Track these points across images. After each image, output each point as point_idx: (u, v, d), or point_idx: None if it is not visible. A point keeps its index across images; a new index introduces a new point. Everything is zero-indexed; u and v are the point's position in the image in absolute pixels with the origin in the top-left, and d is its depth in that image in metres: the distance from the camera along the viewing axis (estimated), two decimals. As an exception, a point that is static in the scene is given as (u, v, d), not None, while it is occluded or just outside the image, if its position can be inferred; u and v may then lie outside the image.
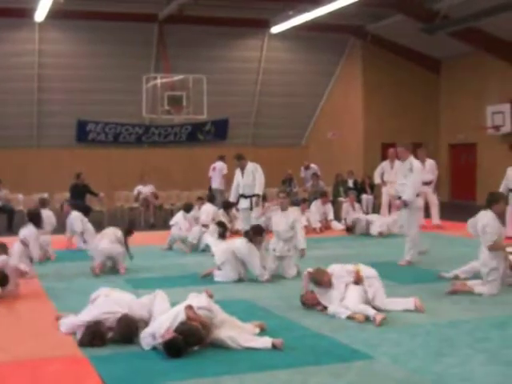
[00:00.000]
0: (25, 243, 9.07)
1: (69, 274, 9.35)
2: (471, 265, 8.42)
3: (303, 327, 6.29)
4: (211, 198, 13.38)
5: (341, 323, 6.39)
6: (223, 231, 11.19)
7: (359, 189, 18.24)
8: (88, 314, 5.98)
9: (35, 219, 9.45)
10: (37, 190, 17.07)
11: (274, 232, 9.31)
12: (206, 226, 11.80)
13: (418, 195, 9.86)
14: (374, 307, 6.56)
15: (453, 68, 22.18)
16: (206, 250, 10.98)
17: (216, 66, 21.17)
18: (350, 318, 6.46)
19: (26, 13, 18.22)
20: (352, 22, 20.78)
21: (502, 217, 8.12)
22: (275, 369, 5.04)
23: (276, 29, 20.81)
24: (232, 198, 12.08)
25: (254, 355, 5.37)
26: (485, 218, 7.65)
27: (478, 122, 20.56)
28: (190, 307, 5.55)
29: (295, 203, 14.67)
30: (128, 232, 9.88)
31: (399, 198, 9.91)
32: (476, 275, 8.13)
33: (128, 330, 5.77)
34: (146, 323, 5.86)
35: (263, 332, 5.91)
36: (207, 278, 8.82)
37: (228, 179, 15.63)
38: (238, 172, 11.78)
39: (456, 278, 8.36)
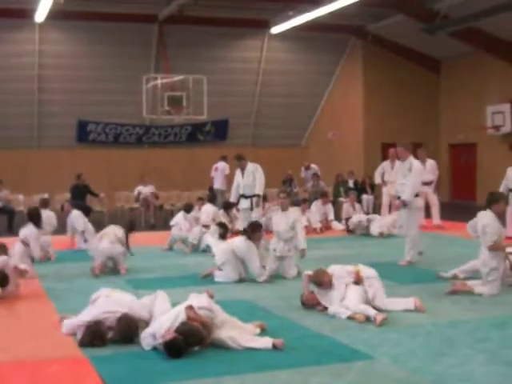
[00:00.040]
0: (25, 243, 9.10)
1: (69, 275, 9.35)
2: (470, 264, 8.42)
3: (304, 327, 6.29)
4: (211, 199, 13.38)
5: (341, 323, 6.39)
6: (224, 232, 11.19)
7: (360, 189, 18.25)
8: (88, 314, 5.98)
9: (35, 219, 9.46)
10: (37, 191, 17.10)
11: (275, 232, 9.31)
12: (206, 226, 11.80)
13: (417, 195, 9.85)
14: (374, 307, 6.57)
15: (453, 68, 22.19)
16: (207, 250, 10.99)
17: (216, 67, 21.19)
18: (350, 318, 6.46)
19: (26, 13, 18.24)
20: (352, 22, 20.79)
21: (501, 217, 8.12)
22: (276, 369, 5.04)
23: (276, 29, 20.82)
24: (232, 199, 12.08)
25: (255, 355, 5.38)
26: (485, 218, 7.65)
27: (478, 122, 20.57)
28: (190, 307, 5.55)
29: (295, 203, 14.66)
30: (130, 229, 9.86)
31: (398, 198, 9.92)
32: (475, 274, 8.13)
33: (128, 329, 5.77)
34: (146, 323, 5.86)
35: (264, 332, 5.91)
36: (208, 278, 8.82)
37: (230, 180, 15.64)
38: (238, 172, 11.78)
39: (455, 277, 8.37)
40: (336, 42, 22.36)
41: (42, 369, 5.17)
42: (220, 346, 5.55)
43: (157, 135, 22.63)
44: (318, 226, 14.35)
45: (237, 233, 12.79)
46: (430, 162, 14.20)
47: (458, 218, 14.10)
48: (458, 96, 21.90)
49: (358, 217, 14.02)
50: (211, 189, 17.50)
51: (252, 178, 11.50)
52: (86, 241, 11.61)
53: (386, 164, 15.10)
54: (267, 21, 20.77)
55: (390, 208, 14.44)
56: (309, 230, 13.33)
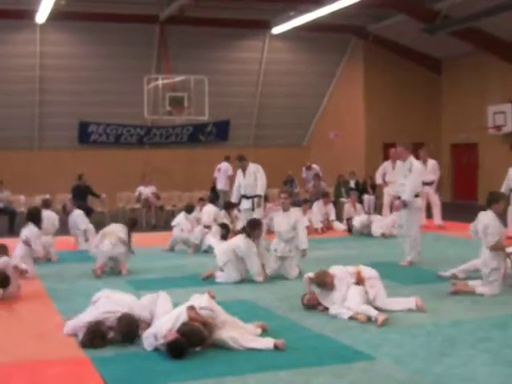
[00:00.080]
0: (27, 243, 9.10)
1: (71, 276, 9.35)
2: (471, 263, 8.42)
3: (305, 328, 6.29)
4: (212, 199, 13.39)
5: (343, 324, 6.38)
6: (226, 233, 11.18)
7: (361, 189, 18.23)
8: (89, 315, 5.99)
9: (35, 218, 9.46)
10: (39, 192, 17.09)
11: (276, 232, 9.31)
12: (207, 226, 11.80)
13: (417, 195, 9.83)
14: (375, 308, 6.57)
15: (454, 68, 22.17)
16: (209, 250, 10.98)
17: (217, 67, 21.18)
18: (352, 318, 6.46)
19: (27, 14, 18.23)
20: (353, 22, 20.78)
21: (502, 217, 8.12)
22: (277, 369, 5.04)
23: (277, 29, 20.80)
24: (234, 199, 12.08)
25: (257, 356, 5.38)
26: (485, 219, 7.65)
27: (479, 121, 20.55)
28: (192, 308, 5.55)
29: (297, 204, 14.66)
30: (132, 225, 9.84)
31: (399, 198, 9.91)
32: (474, 273, 8.13)
33: (129, 328, 5.77)
34: (147, 324, 5.86)
35: (265, 333, 5.91)
36: (209, 279, 8.81)
37: (233, 180, 15.65)
38: (239, 173, 11.79)
39: (454, 277, 8.36)
40: (337, 43, 22.35)
41: (44, 370, 5.18)
42: (221, 347, 5.55)
43: (158, 136, 22.63)
44: (320, 226, 14.36)
45: (238, 233, 12.82)
46: (432, 162, 14.19)
47: (460, 218, 14.10)
48: (460, 96, 21.89)
49: (359, 220, 13.91)
50: (213, 189, 17.51)
51: (253, 178, 11.50)
52: (87, 240, 11.62)
53: (387, 164, 15.08)
54: (268, 21, 20.76)
55: (391, 208, 14.44)
56: (310, 230, 13.32)
